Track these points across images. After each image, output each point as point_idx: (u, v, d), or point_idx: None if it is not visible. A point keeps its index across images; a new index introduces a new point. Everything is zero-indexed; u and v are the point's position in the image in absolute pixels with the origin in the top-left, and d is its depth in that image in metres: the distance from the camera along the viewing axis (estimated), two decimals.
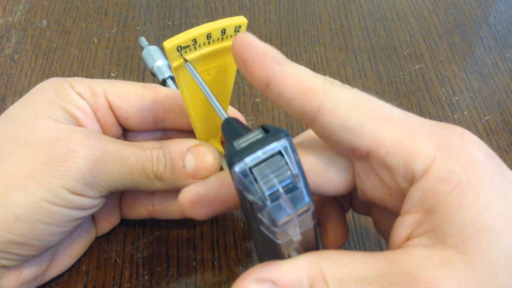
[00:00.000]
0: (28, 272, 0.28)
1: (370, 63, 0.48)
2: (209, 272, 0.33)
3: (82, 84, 0.30)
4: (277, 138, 0.20)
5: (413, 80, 0.46)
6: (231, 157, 0.20)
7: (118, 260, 0.33)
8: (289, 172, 0.20)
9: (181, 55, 0.26)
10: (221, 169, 0.31)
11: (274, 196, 0.20)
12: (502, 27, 0.52)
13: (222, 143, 0.33)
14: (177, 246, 0.34)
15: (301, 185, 0.20)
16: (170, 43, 0.25)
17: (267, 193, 0.20)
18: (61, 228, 0.27)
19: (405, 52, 0.49)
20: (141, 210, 0.33)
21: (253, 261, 0.33)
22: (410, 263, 0.20)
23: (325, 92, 0.23)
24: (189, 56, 0.26)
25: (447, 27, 0.52)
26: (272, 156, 0.20)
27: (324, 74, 0.46)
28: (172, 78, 0.41)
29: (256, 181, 0.20)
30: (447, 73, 0.47)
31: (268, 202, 0.20)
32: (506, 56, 0.49)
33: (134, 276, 0.32)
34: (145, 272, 0.32)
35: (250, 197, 0.20)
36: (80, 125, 0.29)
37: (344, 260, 0.21)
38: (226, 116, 0.23)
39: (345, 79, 0.46)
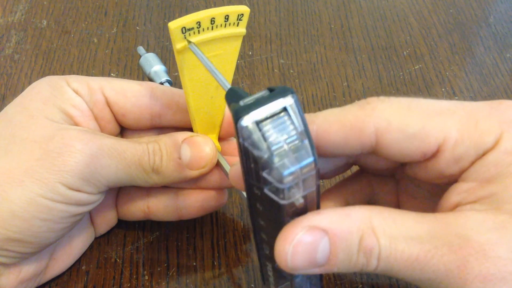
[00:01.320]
0: (27, 270, 0.28)
1: (370, 63, 0.48)
2: (209, 272, 0.33)
3: (78, 81, 0.30)
4: (283, 96, 0.20)
5: (413, 80, 0.46)
6: (237, 111, 0.20)
7: (118, 260, 0.33)
8: (294, 129, 0.20)
9: (185, 38, 0.26)
10: (217, 164, 0.31)
11: (280, 152, 0.20)
12: (502, 27, 0.52)
13: (219, 139, 0.33)
14: (177, 246, 0.34)
15: (306, 142, 0.20)
16: (174, 24, 0.25)
17: (273, 148, 0.20)
18: (59, 224, 0.27)
19: (405, 52, 0.49)
20: (136, 212, 0.33)
21: (253, 261, 0.33)
22: (464, 225, 0.20)
23: (371, 115, 0.23)
24: (193, 39, 0.26)
25: (447, 27, 0.52)
26: (278, 113, 0.20)
27: (324, 74, 0.46)
28: (169, 82, 0.41)
29: (263, 136, 0.20)
30: (447, 73, 0.47)
31: (275, 157, 0.20)
32: (506, 56, 0.49)
33: (134, 276, 0.32)
34: (145, 272, 0.32)
35: (256, 152, 0.20)
36: (76, 123, 0.29)
37: (395, 217, 0.21)
38: (229, 86, 0.23)
39: (345, 79, 0.46)
